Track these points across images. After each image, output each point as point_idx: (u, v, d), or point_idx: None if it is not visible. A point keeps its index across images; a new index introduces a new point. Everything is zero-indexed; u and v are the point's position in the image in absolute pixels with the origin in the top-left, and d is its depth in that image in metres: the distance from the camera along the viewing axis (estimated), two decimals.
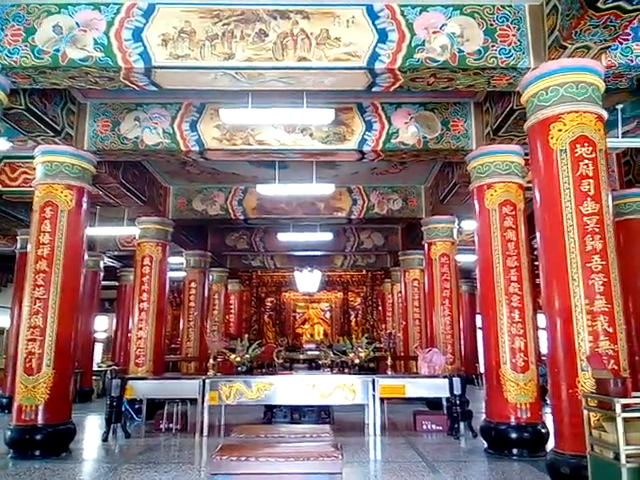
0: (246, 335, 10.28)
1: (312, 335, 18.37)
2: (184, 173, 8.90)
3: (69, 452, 5.83)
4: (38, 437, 5.58)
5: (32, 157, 6.36)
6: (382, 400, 7.20)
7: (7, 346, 10.39)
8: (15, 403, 5.70)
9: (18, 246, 10.37)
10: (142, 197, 8.27)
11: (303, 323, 18.80)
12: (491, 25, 4.55)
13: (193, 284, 11.91)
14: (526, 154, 5.72)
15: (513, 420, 5.49)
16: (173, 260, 10.48)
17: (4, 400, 9.52)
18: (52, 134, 5.85)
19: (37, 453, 5.55)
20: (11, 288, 11.78)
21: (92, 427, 7.95)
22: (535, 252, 4.99)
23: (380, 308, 17.86)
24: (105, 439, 6.60)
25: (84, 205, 6.24)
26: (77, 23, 4.53)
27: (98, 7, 4.55)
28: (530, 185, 4.99)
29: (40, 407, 5.61)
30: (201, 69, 4.57)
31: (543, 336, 4.61)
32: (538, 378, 5.63)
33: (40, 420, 5.60)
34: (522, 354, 5.58)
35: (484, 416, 5.97)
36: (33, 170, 6.68)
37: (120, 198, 8.01)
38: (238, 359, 8.06)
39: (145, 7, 4.55)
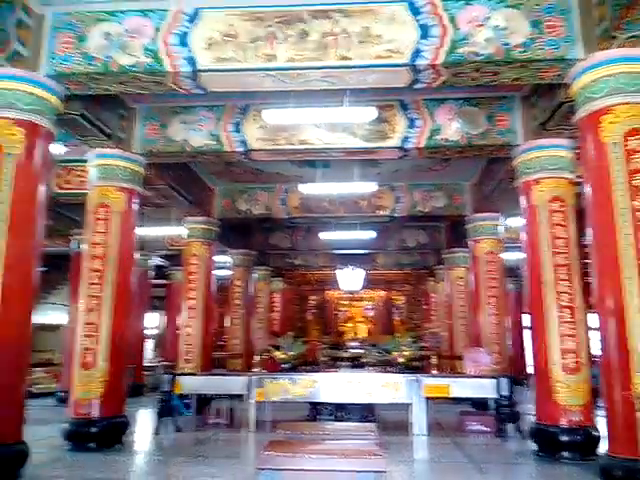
0: (290, 333, 10.39)
1: (355, 333, 18.37)
2: (229, 173, 9.07)
3: (122, 444, 6.01)
4: (93, 429, 5.77)
5: (86, 161, 6.64)
6: (427, 399, 7.13)
7: (64, 342, 10.87)
8: (72, 397, 5.93)
9: (73, 246, 10.80)
10: (189, 198, 8.49)
11: (346, 321, 18.81)
12: (537, 16, 4.45)
13: (238, 282, 12.12)
14: (576, 148, 5.55)
15: (564, 422, 5.33)
16: (219, 259, 10.70)
17: (61, 394, 9.97)
18: (104, 138, 6.09)
19: (92, 445, 5.73)
20: (67, 286, 12.32)
21: (144, 421, 8.22)
22: (586, 249, 4.84)
23: (424, 307, 17.67)
24: (157, 432, 6.82)
25: (134, 206, 6.46)
26: (126, 30, 4.71)
27: (146, 13, 4.71)
28: (580, 180, 4.84)
29: (95, 400, 5.81)
30: (244, 71, 4.67)
31: (596, 336, 4.46)
32: (590, 379, 5.46)
33: (95, 413, 5.80)
34: (573, 355, 5.41)
35: (533, 418, 5.83)
36: (87, 173, 6.98)
37: (168, 199, 8.26)
38: (283, 356, 8.17)
39: (191, 12, 4.68)
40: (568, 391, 5.35)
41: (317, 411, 7.72)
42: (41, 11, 4.75)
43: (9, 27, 4.38)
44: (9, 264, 4.30)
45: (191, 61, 4.60)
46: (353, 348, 15.04)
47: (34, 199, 4.59)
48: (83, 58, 4.68)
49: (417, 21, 4.55)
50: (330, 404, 7.61)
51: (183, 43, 4.63)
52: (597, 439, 5.27)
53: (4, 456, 4.18)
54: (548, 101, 5.61)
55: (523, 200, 6.11)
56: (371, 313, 18.73)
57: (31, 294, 4.55)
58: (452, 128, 6.34)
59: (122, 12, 4.72)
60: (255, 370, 7.69)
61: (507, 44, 4.44)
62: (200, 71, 4.63)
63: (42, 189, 4.68)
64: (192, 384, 7.50)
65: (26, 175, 4.52)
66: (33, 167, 4.59)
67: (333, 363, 13.04)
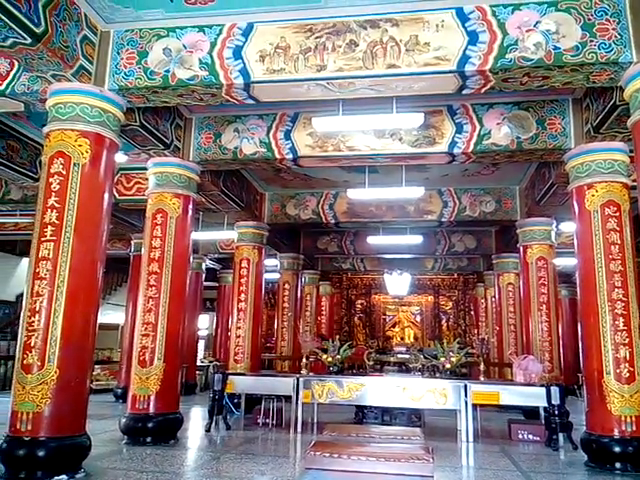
0: (337, 336, 10.48)
1: (402, 338, 18.26)
2: (278, 179, 9.29)
3: (177, 440, 6.24)
4: (150, 425, 6.00)
5: (145, 168, 6.99)
6: (474, 406, 7.07)
7: (122, 341, 11.37)
8: (130, 393, 6.20)
9: (132, 249, 11.29)
10: (240, 203, 8.75)
11: (393, 326, 18.74)
12: (589, 20, 4.39)
13: (287, 285, 12.34)
14: (631, 151, 5.40)
15: (617, 433, 5.18)
16: (268, 262, 10.92)
17: (119, 390, 10.45)
18: (162, 147, 6.39)
19: (148, 440, 5.96)
20: (125, 288, 12.89)
21: (196, 418, 8.49)
22: None
23: (472, 312, 17.40)
24: (208, 430, 7.03)
25: (190, 212, 6.71)
26: (184, 45, 4.95)
27: (202, 29, 4.95)
28: (635, 184, 4.72)
29: (152, 397, 6.06)
30: (295, 81, 4.81)
31: None
32: None
33: (152, 409, 6.04)
34: (627, 364, 5.25)
35: (585, 428, 5.69)
36: (145, 180, 7.34)
37: (220, 204, 8.53)
38: (330, 359, 8.26)
39: (244, 26, 4.88)
40: (621, 401, 5.19)
41: (363, 414, 7.78)
42: (106, 28, 5.07)
43: (76, 44, 4.68)
44: (75, 266, 4.58)
45: (245, 73, 4.80)
46: (400, 353, 14.97)
47: (99, 206, 4.86)
48: (144, 73, 4.96)
49: (465, 28, 4.58)
50: (376, 408, 7.66)
51: (237, 56, 4.83)
52: None
53: (69, 447, 4.43)
54: (601, 104, 5.49)
55: (575, 205, 5.98)
56: (418, 318, 18.58)
57: (95, 295, 4.82)
58: (501, 132, 6.29)
59: (180, 28, 4.97)
60: (303, 372, 7.82)
61: (558, 48, 4.40)
62: (253, 83, 4.82)
63: (106, 197, 4.95)
64: (242, 384, 7.71)
65: (91, 184, 4.80)
66: (98, 176, 4.87)
67: (380, 367, 13.04)
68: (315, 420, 7.69)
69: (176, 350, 6.36)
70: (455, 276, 18.04)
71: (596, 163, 5.83)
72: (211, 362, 13.11)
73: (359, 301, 19.00)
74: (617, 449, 5.16)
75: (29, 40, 4.17)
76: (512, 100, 6.28)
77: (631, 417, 5.16)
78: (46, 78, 4.78)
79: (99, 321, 4.97)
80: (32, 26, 4.10)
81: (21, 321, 4.53)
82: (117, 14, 4.89)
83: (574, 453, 6.12)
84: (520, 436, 7.02)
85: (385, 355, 14.74)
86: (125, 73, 5.00)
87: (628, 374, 5.24)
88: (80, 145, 4.78)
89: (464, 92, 4.95)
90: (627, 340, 5.30)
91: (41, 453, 4.25)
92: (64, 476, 4.35)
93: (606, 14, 4.35)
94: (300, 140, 6.68)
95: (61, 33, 4.43)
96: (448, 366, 8.05)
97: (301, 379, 7.35)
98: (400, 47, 4.65)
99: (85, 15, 4.80)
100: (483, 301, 15.44)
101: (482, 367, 7.91)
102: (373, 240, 11.06)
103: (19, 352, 4.46)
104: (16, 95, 5.33)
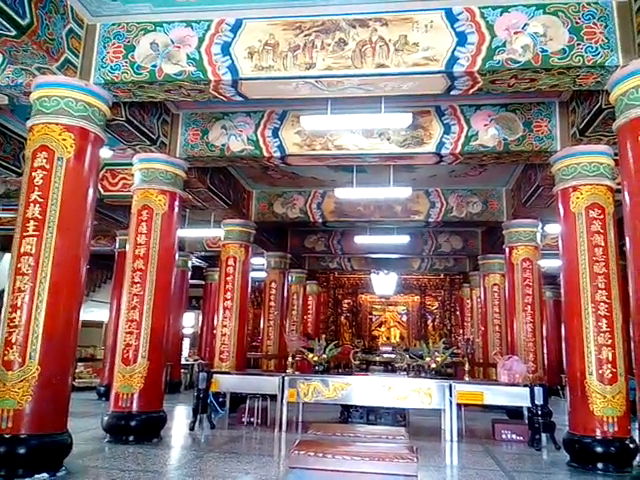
0: (323, 335, 10.48)
1: (388, 338, 18.32)
2: (266, 177, 9.25)
3: (160, 439, 6.19)
4: (133, 423, 5.96)
5: (130, 164, 6.91)
6: (459, 406, 7.10)
7: (105, 338, 11.26)
8: (113, 391, 6.15)
9: (117, 246, 11.16)
10: (227, 201, 8.70)
11: (379, 326, 18.79)
12: (577, 23, 4.42)
13: (273, 284, 12.29)
14: (616, 154, 5.46)
15: (599, 433, 5.24)
16: (255, 261, 10.89)
17: (102, 388, 10.34)
18: (149, 143, 6.33)
19: (131, 438, 5.91)
20: (110, 285, 12.76)
21: (180, 417, 8.44)
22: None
23: (458, 313, 17.51)
24: (192, 428, 6.99)
25: (176, 208, 6.65)
26: (172, 40, 4.90)
27: (190, 24, 4.91)
28: (620, 187, 4.77)
29: (135, 395, 6.02)
30: (284, 79, 4.79)
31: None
32: (627, 391, 5.35)
33: (135, 407, 6.00)
34: (610, 365, 5.31)
35: (568, 428, 5.75)
36: (131, 176, 7.26)
37: (207, 202, 8.47)
38: (316, 358, 8.26)
39: (233, 22, 4.85)
40: (604, 401, 5.25)
41: (348, 414, 7.79)
42: (92, 22, 5.00)
43: (62, 37, 4.62)
44: (58, 262, 4.52)
45: (233, 70, 4.76)
46: (386, 352, 15.01)
47: (83, 201, 4.81)
48: (131, 67, 4.90)
49: (454, 29, 4.60)
50: (361, 407, 7.67)
51: (225, 52, 4.79)
52: (633, 451, 5.17)
53: (51, 445, 4.38)
54: (587, 107, 5.54)
55: (561, 207, 6.03)
56: (404, 318, 18.65)
57: (78, 292, 4.76)
58: (489, 134, 6.32)
59: (168, 23, 4.92)
60: (289, 371, 7.80)
61: (545, 51, 4.43)
62: (241, 79, 4.78)
63: (91, 192, 4.90)
64: (227, 383, 7.67)
65: (76, 178, 4.74)
66: (82, 171, 4.81)
67: (365, 367, 13.06)
68: (300, 419, 7.67)
69: (160, 348, 6.31)
70: (441, 276, 18.13)
71: (581, 166, 5.89)
72: (196, 360, 13.04)
73: (346, 300, 19.02)
74: (599, 449, 5.22)
75: (14, 32, 4.10)
76: (500, 102, 6.32)
77: (613, 418, 5.22)
78: (31, 71, 4.70)
79: (82, 318, 4.91)
80: (17, 18, 4.03)
81: (2, 317, 4.46)
82: (104, 7, 4.83)
83: (557, 453, 6.18)
84: (504, 436, 7.07)
85: (371, 355, 14.76)
86: (111, 67, 4.94)
87: (610, 375, 5.30)
88: (64, 139, 4.71)
89: (452, 93, 4.97)
90: (610, 341, 5.36)
91: (22, 451, 4.20)
92: (45, 474, 4.30)
93: (593, 18, 4.39)
94: (288, 138, 6.65)
95: (47, 26, 4.36)
96: (433, 366, 8.09)
97: (287, 378, 7.33)
98: (389, 47, 4.65)
99: (71, 8, 4.73)
100: (469, 301, 15.55)
101: (467, 367, 7.96)
102: (360, 240, 11.07)
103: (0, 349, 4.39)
104: (0, 88, 5.24)
